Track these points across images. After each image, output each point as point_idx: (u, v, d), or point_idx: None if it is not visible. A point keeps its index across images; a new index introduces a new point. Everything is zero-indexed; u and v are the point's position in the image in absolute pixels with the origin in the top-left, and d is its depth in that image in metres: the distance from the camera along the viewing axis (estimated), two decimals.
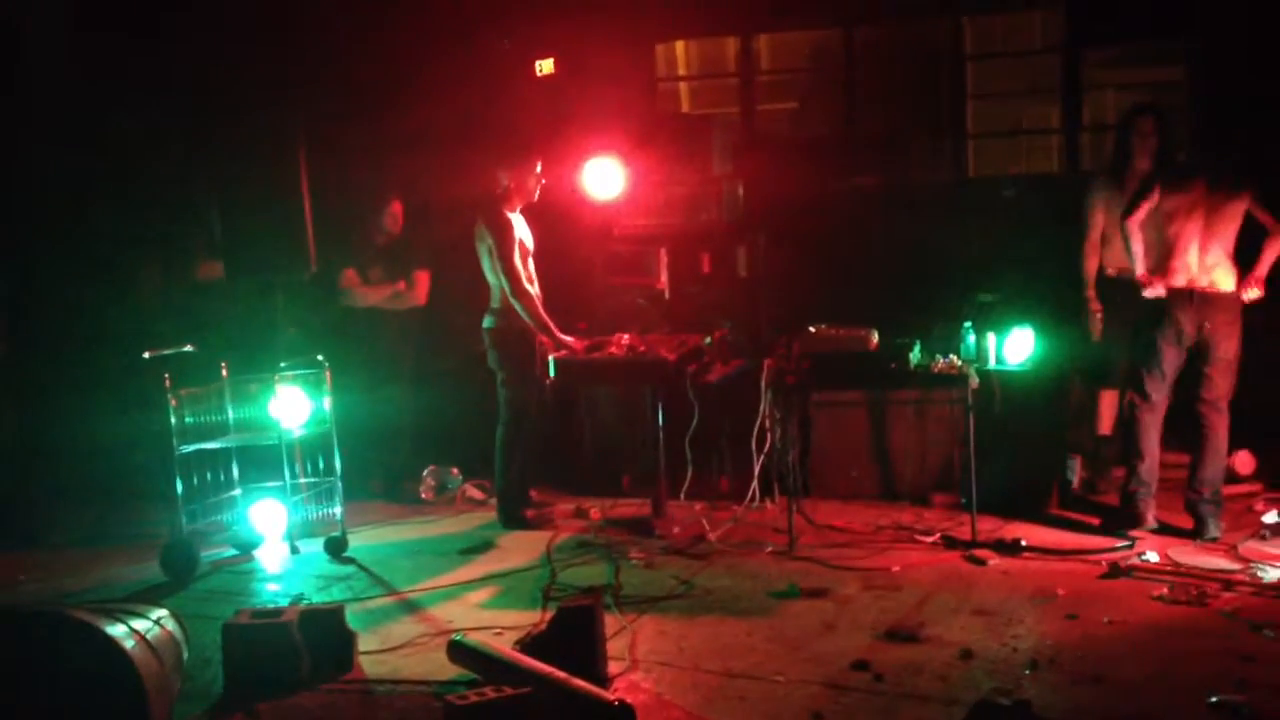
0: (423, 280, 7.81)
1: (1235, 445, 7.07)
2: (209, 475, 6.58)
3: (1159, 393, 6.25)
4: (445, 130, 8.49)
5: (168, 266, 8.53)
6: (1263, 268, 6.12)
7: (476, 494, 7.62)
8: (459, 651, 4.73)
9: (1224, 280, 6.12)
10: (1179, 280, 6.13)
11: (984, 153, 9.46)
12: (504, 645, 4.80)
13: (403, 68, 8.85)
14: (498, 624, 5.31)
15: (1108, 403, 6.90)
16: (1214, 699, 4.22)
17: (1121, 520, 6.25)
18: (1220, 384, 6.18)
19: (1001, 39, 9.58)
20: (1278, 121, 8.02)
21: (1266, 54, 8.07)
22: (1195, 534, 6.13)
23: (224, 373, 6.62)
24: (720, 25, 9.64)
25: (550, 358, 6.71)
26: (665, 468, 6.88)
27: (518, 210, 6.89)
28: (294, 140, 6.86)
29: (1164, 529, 6.26)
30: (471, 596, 5.82)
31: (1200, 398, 6.22)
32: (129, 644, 4.13)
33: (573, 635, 4.60)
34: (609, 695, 4.29)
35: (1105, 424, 6.96)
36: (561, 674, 4.32)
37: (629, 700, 4.29)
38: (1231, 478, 7.03)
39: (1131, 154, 6.91)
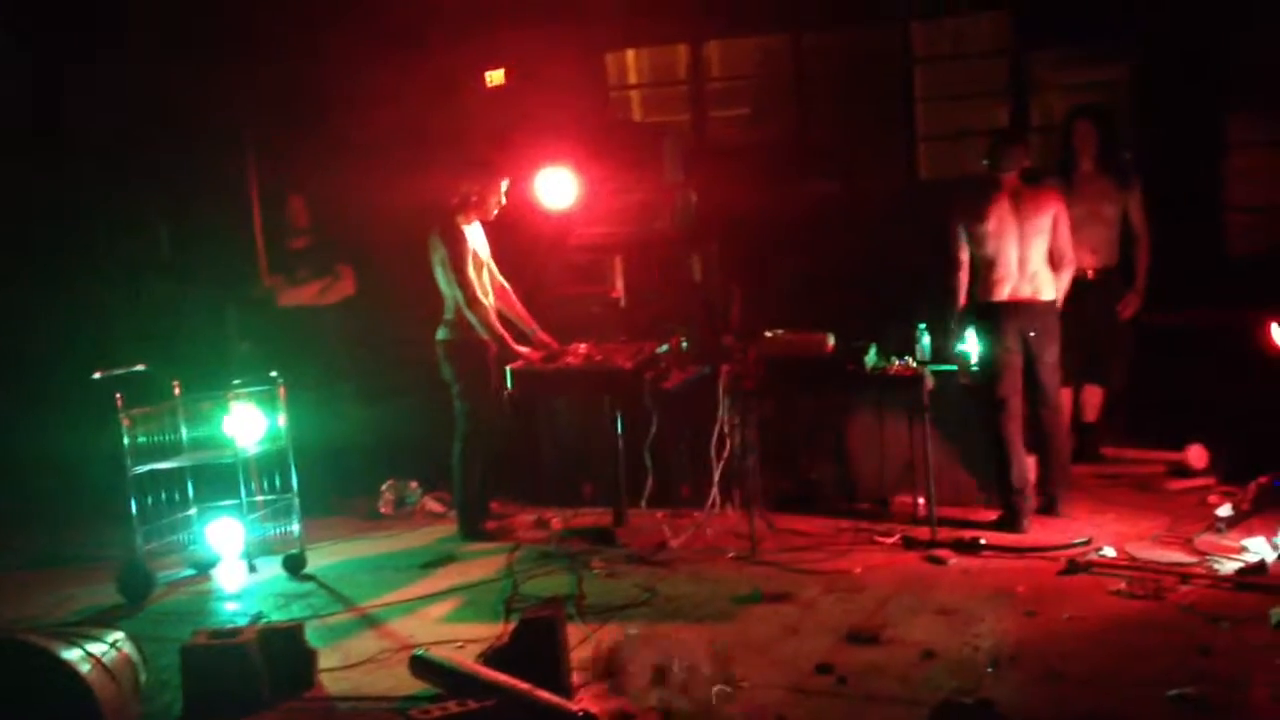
0: (347, 273, 7.88)
1: (1189, 439, 7.18)
2: (164, 495, 6.50)
3: (1013, 396, 6.38)
4: (397, 141, 8.47)
5: (119, 284, 8.45)
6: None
7: (436, 507, 7.57)
8: (421, 666, 4.70)
9: (1044, 289, 6.35)
10: (1002, 293, 6.32)
11: (934, 155, 9.52)
12: (466, 658, 4.77)
13: (353, 79, 8.81)
14: (460, 637, 5.28)
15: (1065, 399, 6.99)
16: (1173, 693, 4.26)
17: (1000, 527, 6.33)
18: (1051, 388, 6.44)
19: (950, 42, 9.65)
20: (1214, 119, 8.19)
21: (1203, 54, 8.22)
22: (1004, 524, 6.31)
23: (176, 391, 6.54)
24: (670, 33, 9.66)
25: (507, 368, 6.69)
26: (625, 476, 6.87)
27: (474, 221, 6.86)
28: (243, 156, 6.83)
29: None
30: (433, 610, 5.78)
31: (1038, 401, 6.44)
32: (84, 669, 4.08)
33: (535, 646, 4.58)
34: (573, 705, 4.27)
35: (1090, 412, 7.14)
36: (525, 685, 4.30)
37: (594, 710, 4.28)
38: (1186, 471, 7.12)
39: (1074, 156, 7.21)
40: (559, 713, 4.19)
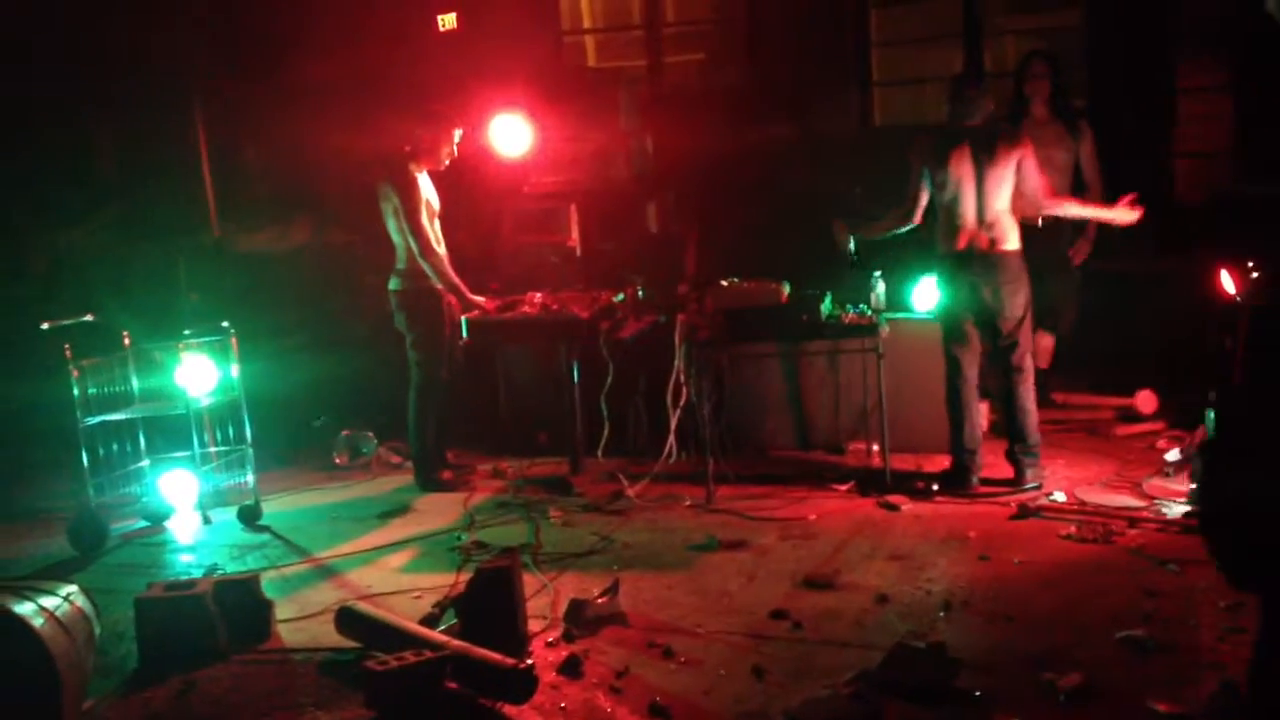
0: (302, 221, 7.93)
1: (1138, 385, 7.27)
2: (115, 447, 6.44)
3: (967, 355, 6.20)
4: (347, 87, 8.36)
5: (66, 233, 8.31)
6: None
7: (393, 457, 7.54)
8: (347, 620, 4.67)
9: (1005, 239, 6.09)
10: (961, 243, 6.09)
11: (889, 101, 9.51)
12: (395, 615, 4.71)
13: (303, 23, 8.67)
14: (417, 587, 5.29)
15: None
16: (1122, 634, 4.34)
17: (948, 483, 6.21)
18: (1015, 349, 6.16)
19: None
20: (1163, 63, 8.20)
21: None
22: (1014, 483, 6.16)
23: (126, 342, 6.47)
24: None
25: (462, 318, 6.66)
26: (582, 425, 6.88)
27: (424, 171, 6.79)
28: (190, 103, 6.71)
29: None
30: (390, 560, 5.78)
31: (1003, 365, 6.21)
32: (38, 622, 4.04)
33: (491, 595, 4.59)
34: (509, 660, 4.15)
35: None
36: (459, 643, 4.27)
37: (552, 658, 4.29)
38: (1135, 417, 7.21)
39: (1026, 102, 7.21)
40: (496, 667, 4.13)
